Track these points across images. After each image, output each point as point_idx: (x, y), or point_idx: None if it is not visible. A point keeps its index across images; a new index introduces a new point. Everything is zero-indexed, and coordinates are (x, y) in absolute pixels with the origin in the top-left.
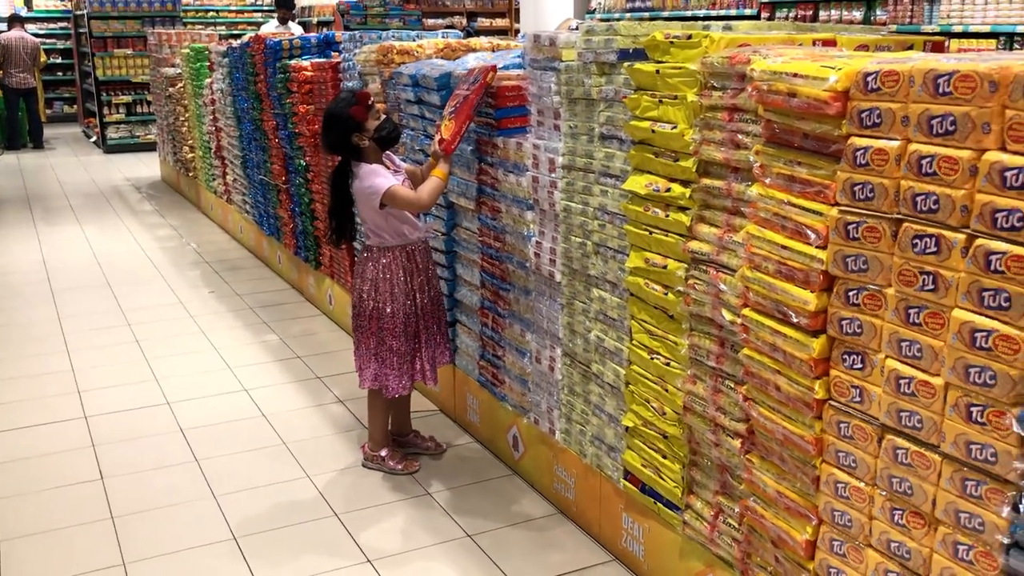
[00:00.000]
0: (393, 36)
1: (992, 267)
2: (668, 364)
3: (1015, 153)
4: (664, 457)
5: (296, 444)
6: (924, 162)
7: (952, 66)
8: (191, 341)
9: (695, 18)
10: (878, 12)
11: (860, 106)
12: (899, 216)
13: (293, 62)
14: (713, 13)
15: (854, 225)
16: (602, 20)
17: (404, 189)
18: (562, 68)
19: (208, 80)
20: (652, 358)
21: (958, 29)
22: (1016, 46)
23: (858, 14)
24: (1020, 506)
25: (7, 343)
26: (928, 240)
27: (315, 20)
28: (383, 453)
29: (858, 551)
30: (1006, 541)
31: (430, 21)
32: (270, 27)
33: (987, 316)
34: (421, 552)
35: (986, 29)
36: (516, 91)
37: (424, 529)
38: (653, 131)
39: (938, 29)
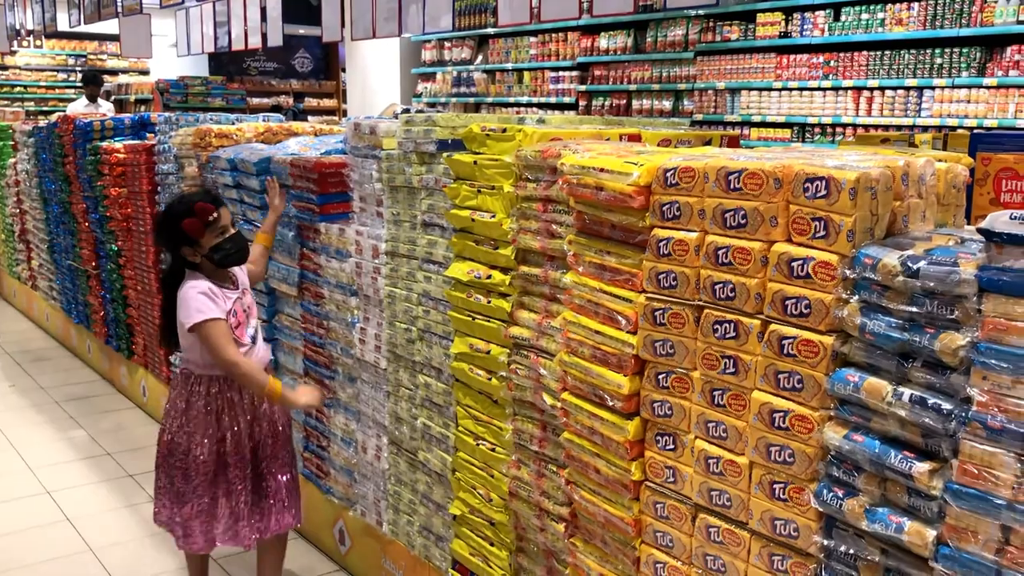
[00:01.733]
0: (211, 119)
1: (785, 351)
2: (493, 449)
3: (800, 245)
4: (492, 544)
5: (104, 550)
6: (720, 252)
7: (741, 164)
8: None
9: (518, 104)
10: (685, 102)
11: (661, 200)
12: (701, 303)
13: (105, 144)
14: (535, 100)
15: (660, 311)
16: (428, 104)
17: (219, 332)
18: (383, 156)
19: (12, 160)
20: (478, 444)
21: (757, 119)
22: (807, 134)
23: (668, 104)
24: None
25: None
26: (728, 326)
27: (133, 98)
28: None
29: None
30: None
31: (255, 100)
32: (79, 105)
33: (783, 397)
34: None
35: (781, 119)
36: (338, 177)
37: None
38: (473, 220)
39: (740, 119)
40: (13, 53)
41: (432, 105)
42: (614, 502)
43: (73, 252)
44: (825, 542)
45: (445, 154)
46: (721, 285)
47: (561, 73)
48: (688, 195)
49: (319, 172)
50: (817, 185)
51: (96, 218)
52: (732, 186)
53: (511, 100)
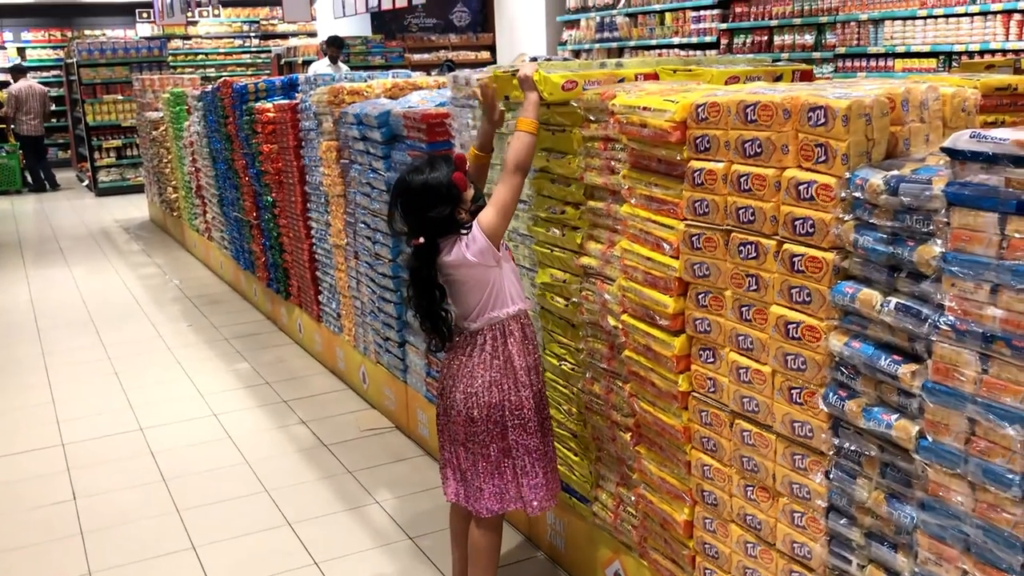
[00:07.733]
0: (346, 78)
1: (795, 267)
2: (573, 369)
3: (806, 169)
4: (575, 455)
5: (258, 463)
6: (742, 180)
7: (756, 97)
8: (166, 372)
9: (659, 46)
10: (828, 36)
11: (694, 133)
12: (728, 227)
13: (258, 104)
14: (675, 41)
15: (696, 236)
16: (572, 52)
17: (492, 200)
18: (476, 105)
19: (187, 123)
20: (560, 364)
21: (901, 49)
22: (954, 64)
23: (810, 38)
24: (830, 473)
25: None
26: (750, 247)
27: (300, 60)
28: None
29: (724, 526)
30: (824, 505)
31: (416, 57)
32: (320, 66)
33: (795, 310)
34: (362, 555)
35: (927, 49)
36: (443, 127)
37: (365, 534)
38: (548, 160)
39: (884, 50)
40: (194, 23)
41: (576, 53)
42: (667, 411)
43: (238, 204)
44: (834, 440)
45: None
46: (743, 209)
47: (702, 12)
48: (716, 128)
49: (426, 123)
50: (818, 114)
51: (254, 173)
52: (749, 118)
53: (653, 42)
